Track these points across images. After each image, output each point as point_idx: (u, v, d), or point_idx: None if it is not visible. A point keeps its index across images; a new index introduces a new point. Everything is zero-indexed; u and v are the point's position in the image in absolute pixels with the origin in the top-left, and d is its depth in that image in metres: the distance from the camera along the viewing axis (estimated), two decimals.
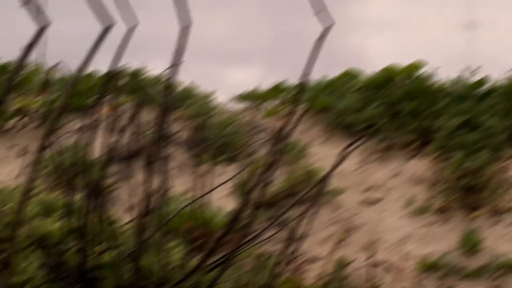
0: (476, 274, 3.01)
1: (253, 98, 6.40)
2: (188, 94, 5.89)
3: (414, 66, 5.52)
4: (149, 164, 2.44)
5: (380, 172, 4.69)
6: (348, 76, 6.04)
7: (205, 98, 5.90)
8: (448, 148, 4.71)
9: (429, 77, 5.57)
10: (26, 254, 1.97)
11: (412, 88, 5.42)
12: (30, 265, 1.98)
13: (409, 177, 4.36)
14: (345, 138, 5.62)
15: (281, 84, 6.69)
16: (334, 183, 4.31)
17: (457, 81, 5.41)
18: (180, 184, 4.45)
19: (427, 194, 4.12)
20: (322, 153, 5.11)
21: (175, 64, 0.99)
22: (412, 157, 5.06)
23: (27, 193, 1.72)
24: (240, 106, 6.30)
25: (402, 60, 5.64)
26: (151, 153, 2.06)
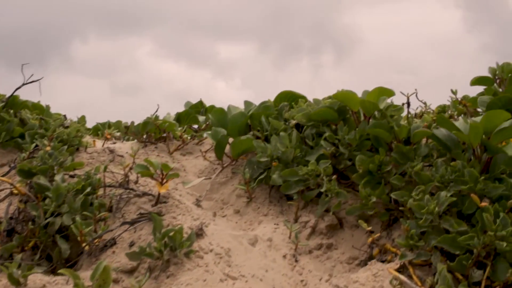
0: None
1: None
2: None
3: (377, 96, 3.55)
4: None
5: None
6: (284, 104, 4.07)
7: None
8: None
9: (400, 110, 3.61)
10: None
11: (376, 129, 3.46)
12: None
13: None
14: (272, 205, 3.68)
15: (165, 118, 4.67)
16: None
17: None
18: None
19: None
20: (225, 237, 3.17)
21: None
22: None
23: None
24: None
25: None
26: None
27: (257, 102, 4.20)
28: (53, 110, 4.61)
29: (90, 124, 5.95)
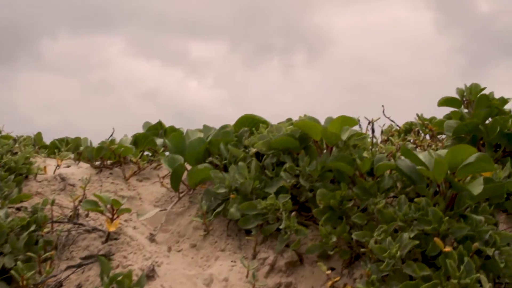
0: None
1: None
2: None
3: (340, 125, 3.40)
4: None
5: None
6: (244, 130, 3.91)
7: None
8: None
9: (364, 139, 3.48)
10: None
11: (339, 164, 3.31)
12: None
13: None
14: (230, 239, 3.52)
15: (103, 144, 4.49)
16: None
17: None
18: None
19: None
20: (178, 277, 3.00)
21: None
22: None
23: None
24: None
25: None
26: None
27: (229, 102, 4.05)
28: (24, 110, 4.41)
29: (55, 134, 5.73)
